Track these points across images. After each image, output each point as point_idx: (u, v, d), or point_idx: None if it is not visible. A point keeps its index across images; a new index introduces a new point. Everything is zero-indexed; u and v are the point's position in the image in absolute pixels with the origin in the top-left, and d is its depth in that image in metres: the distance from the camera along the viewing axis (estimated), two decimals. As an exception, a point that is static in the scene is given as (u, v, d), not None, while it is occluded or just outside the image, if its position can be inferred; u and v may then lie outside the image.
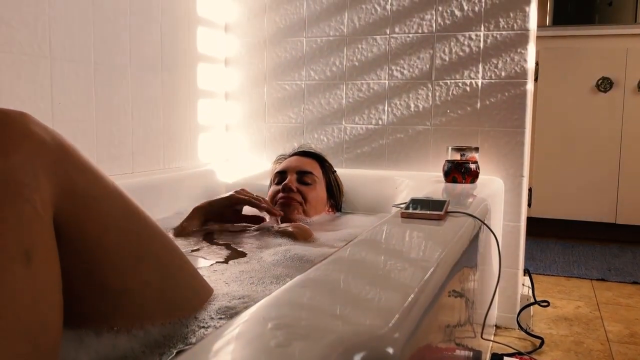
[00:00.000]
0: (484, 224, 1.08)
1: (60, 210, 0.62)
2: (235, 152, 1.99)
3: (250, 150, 1.97)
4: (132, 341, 0.64)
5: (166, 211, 1.50)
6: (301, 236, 1.26)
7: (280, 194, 1.48)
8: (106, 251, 0.66)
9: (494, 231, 1.17)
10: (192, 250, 1.18)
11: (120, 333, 0.65)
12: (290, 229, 1.28)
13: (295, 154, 1.63)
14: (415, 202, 1.08)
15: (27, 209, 0.57)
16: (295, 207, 1.46)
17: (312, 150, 1.64)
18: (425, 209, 1.04)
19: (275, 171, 1.58)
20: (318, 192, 1.53)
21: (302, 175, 1.52)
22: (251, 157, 1.97)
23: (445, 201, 1.07)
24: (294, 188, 1.48)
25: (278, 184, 1.52)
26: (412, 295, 0.59)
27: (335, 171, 1.64)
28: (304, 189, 1.50)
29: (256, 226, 1.38)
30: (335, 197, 1.60)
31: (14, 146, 0.59)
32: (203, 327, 0.68)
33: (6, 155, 0.58)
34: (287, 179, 1.50)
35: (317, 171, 1.55)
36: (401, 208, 1.07)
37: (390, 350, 0.47)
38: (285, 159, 1.63)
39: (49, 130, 0.64)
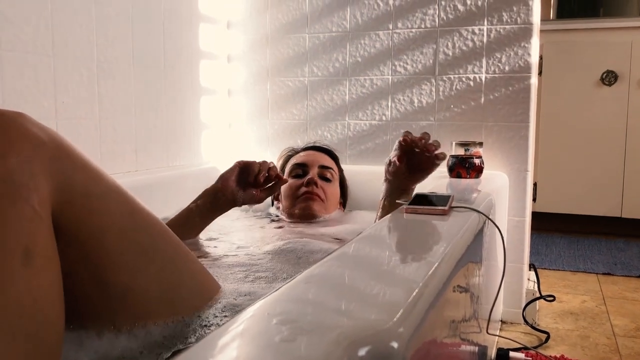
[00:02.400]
0: (489, 218, 1.08)
1: (59, 209, 0.61)
2: (238, 150, 1.99)
3: (254, 148, 1.97)
4: (131, 341, 0.64)
5: (170, 209, 1.50)
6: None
7: (304, 188, 1.43)
8: (107, 250, 0.66)
9: (499, 226, 1.17)
10: (206, 246, 1.17)
11: (121, 333, 0.65)
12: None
13: (312, 148, 1.59)
14: (419, 198, 1.08)
15: (26, 209, 0.57)
16: (319, 202, 1.43)
17: (329, 147, 1.60)
18: (429, 204, 1.03)
19: (293, 163, 1.52)
20: (335, 188, 1.50)
21: (324, 170, 1.48)
22: (254, 154, 1.97)
23: (449, 196, 1.06)
24: (318, 183, 1.44)
25: (297, 177, 1.48)
26: (416, 290, 0.58)
27: (343, 170, 1.62)
28: (324, 185, 1.46)
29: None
30: (345, 195, 1.59)
31: (12, 147, 0.59)
32: (205, 325, 0.68)
33: (4, 157, 0.58)
34: (311, 173, 1.46)
35: (335, 168, 1.53)
36: (405, 203, 1.06)
37: (395, 345, 0.47)
38: (297, 152, 1.58)
39: (46, 129, 0.63)
